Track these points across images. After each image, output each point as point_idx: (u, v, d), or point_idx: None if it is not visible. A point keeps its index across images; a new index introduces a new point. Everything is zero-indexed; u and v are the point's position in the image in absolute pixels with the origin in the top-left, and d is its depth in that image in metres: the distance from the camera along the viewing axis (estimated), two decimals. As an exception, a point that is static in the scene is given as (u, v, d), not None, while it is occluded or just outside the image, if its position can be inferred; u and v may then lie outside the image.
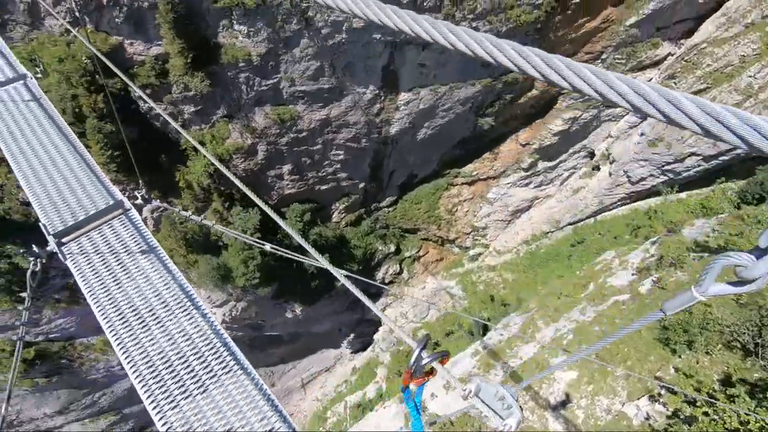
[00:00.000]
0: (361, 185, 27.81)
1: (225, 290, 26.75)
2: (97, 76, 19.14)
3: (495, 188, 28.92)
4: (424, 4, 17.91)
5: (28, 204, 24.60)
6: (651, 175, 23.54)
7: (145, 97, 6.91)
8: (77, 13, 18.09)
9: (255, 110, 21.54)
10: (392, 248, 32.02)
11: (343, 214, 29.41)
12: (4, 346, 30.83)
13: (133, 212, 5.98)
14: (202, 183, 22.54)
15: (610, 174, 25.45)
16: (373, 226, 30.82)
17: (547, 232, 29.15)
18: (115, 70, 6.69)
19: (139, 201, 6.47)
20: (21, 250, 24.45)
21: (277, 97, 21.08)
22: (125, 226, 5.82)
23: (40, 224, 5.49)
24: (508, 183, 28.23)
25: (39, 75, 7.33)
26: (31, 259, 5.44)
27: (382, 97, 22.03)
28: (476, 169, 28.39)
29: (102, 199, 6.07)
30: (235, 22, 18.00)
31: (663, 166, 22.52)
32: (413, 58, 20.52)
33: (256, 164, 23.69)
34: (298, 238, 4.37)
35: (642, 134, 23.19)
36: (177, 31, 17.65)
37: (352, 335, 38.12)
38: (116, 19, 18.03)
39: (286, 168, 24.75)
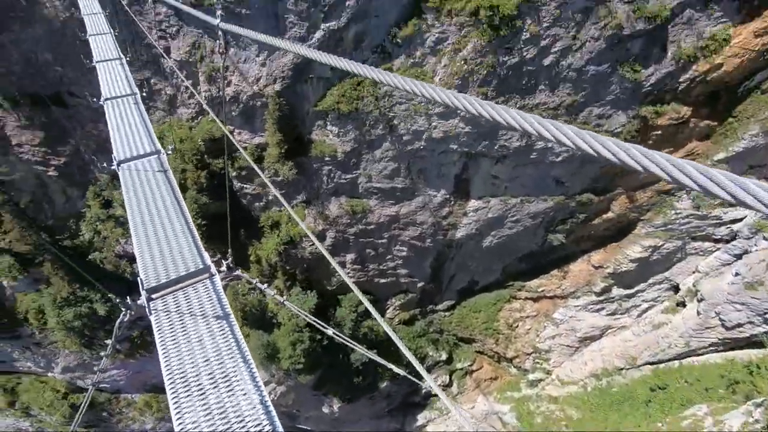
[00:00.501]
0: (420, 284, 27.48)
1: (269, 370, 26.40)
2: (205, 156, 22.13)
3: (562, 309, 26.95)
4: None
5: (121, 257, 27.43)
6: (750, 322, 20.64)
7: (258, 170, 7.86)
8: (204, 105, 21.66)
9: (331, 200, 23.12)
10: (444, 356, 30.13)
11: (398, 311, 28.81)
12: (60, 387, 32.16)
13: (218, 278, 6.50)
14: (271, 260, 23.79)
15: (699, 314, 22.75)
16: (427, 329, 29.60)
17: (621, 369, 25.85)
18: (243, 153, 7.83)
19: (224, 269, 7.01)
20: (102, 297, 26.61)
21: (353, 190, 22.59)
22: (207, 291, 6.31)
23: (138, 278, 6.11)
24: (578, 306, 26.24)
25: (169, 152, 8.65)
26: (123, 309, 5.97)
27: (452, 202, 22.65)
28: (542, 285, 26.97)
29: (193, 262, 6.68)
30: (329, 123, 20.34)
31: (765, 313, 19.74)
32: (487, 169, 21.28)
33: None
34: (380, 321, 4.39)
35: (737, 274, 20.93)
36: (278, 126, 20.29)
37: (387, 447, 34.64)
38: (233, 112, 21.26)
39: (350, 257, 25.46)
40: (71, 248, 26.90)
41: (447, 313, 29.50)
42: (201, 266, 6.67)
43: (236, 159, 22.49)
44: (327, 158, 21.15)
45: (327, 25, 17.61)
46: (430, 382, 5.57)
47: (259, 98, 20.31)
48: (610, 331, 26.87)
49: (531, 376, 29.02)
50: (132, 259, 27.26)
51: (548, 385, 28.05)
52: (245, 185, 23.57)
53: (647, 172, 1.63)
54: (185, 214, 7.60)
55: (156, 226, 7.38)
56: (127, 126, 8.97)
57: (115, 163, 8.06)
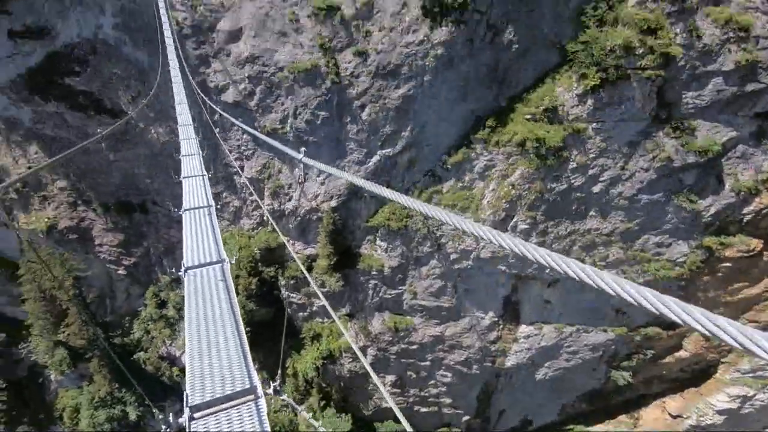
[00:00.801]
0: (465, 418, 24.68)
1: (290, 507, 23.40)
2: (259, 264, 23.15)
3: (637, 466, 22.65)
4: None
5: (163, 359, 27.55)
6: None
7: (310, 279, 7.98)
8: (265, 218, 23.44)
9: (375, 314, 22.69)
10: None
11: (439, 449, 25.53)
12: (72, 501, 30.03)
13: (263, 402, 6.15)
14: (308, 374, 22.82)
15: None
16: (473, 475, 25.64)
17: None
18: (298, 262, 8.15)
19: (270, 391, 6.65)
20: (136, 401, 26.14)
21: (397, 306, 22.17)
22: (250, 414, 5.89)
23: (184, 393, 5.98)
24: (656, 464, 21.99)
25: (233, 261, 9.06)
26: (164, 426, 5.86)
27: (501, 326, 21.40)
28: (610, 433, 23.26)
29: (241, 381, 6.47)
30: (378, 238, 21.03)
31: None
32: (538, 292, 20.37)
33: (361, 368, 23.49)
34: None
35: None
36: (330, 239, 21.22)
37: None
38: (290, 224, 22.70)
39: (390, 378, 23.87)
40: (120, 346, 27.56)
41: (496, 457, 25.69)
42: (248, 386, 6.49)
43: (287, 268, 23.30)
44: (374, 272, 21.37)
45: (383, 151, 19.37)
46: None
47: (315, 213, 21.75)
48: (702, 503, 21.81)
49: None
50: (172, 362, 27.27)
51: None
52: (292, 294, 23.95)
53: (685, 325, 1.52)
54: (239, 327, 7.72)
55: (210, 335, 7.47)
56: (200, 235, 9.69)
57: (183, 268, 8.57)
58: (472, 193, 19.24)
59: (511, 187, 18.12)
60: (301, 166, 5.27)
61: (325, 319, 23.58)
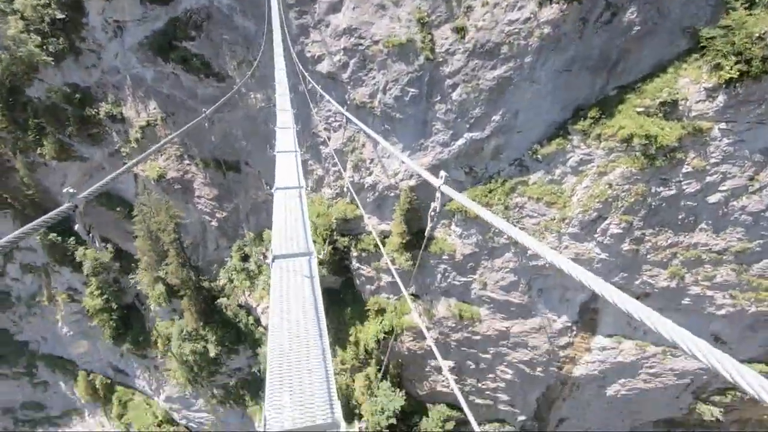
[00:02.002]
0: (521, 418, 23.88)
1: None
2: (334, 233, 23.96)
3: None
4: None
5: (241, 307, 30.06)
6: None
7: (385, 255, 7.84)
8: (344, 189, 24.04)
9: (441, 299, 22.49)
10: None
11: (490, 442, 25.13)
12: (159, 414, 34.66)
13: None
14: (369, 345, 23.50)
15: None
16: (521, 476, 24.97)
17: None
18: (377, 240, 8.06)
19: (356, 429, 5.84)
20: (216, 340, 28.97)
21: (464, 294, 21.72)
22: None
23: (263, 415, 5.43)
24: None
25: (320, 256, 8.51)
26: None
27: (574, 332, 20.04)
28: (684, 467, 21.06)
29: (322, 413, 5.74)
30: (454, 223, 20.55)
31: None
32: (622, 304, 18.61)
33: (421, 348, 23.63)
34: None
35: None
36: (405, 218, 21.18)
37: None
38: (367, 198, 23.03)
39: (448, 363, 23.74)
40: (207, 289, 30.60)
41: (549, 464, 24.67)
42: (329, 421, 5.66)
43: (360, 241, 23.83)
44: (445, 257, 21.04)
45: (470, 134, 18.61)
46: None
47: (393, 190, 21.77)
48: None
49: None
50: (249, 312, 29.69)
51: None
52: (362, 267, 24.54)
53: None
54: (324, 340, 6.88)
55: (293, 346, 6.65)
56: (290, 221, 9.34)
57: (270, 257, 8.24)
58: (562, 188, 17.84)
59: (607, 187, 16.46)
60: (438, 196, 4.79)
61: (391, 296, 23.90)
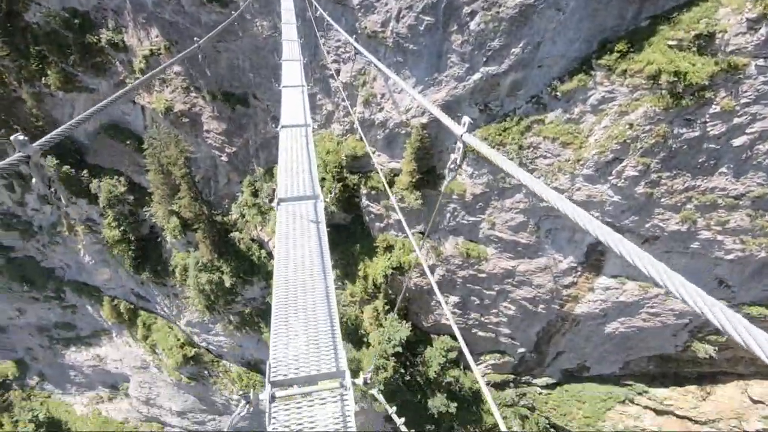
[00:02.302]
0: (521, 350, 25.15)
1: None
2: (344, 170, 23.82)
3: (693, 436, 21.88)
4: (661, 200, 16.59)
5: (254, 240, 30.87)
6: None
7: (390, 194, 7.77)
8: (355, 125, 23.49)
9: (449, 237, 22.78)
10: (529, 437, 26.88)
11: (490, 371, 26.75)
12: (180, 337, 37.04)
13: (351, 394, 5.39)
14: (377, 280, 24.31)
15: None
16: (517, 401, 26.83)
17: None
18: (381, 177, 7.89)
19: (360, 381, 6.03)
20: (230, 271, 30.12)
21: (472, 233, 21.92)
22: (335, 403, 5.30)
23: (268, 362, 5.50)
24: (716, 439, 21.03)
25: (327, 199, 8.20)
26: (243, 402, 5.50)
27: (579, 273, 20.39)
28: (672, 398, 22.36)
29: (327, 363, 5.61)
30: (465, 163, 20.20)
31: None
32: (629, 247, 18.67)
33: (427, 284, 24.39)
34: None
35: None
36: (415, 156, 20.84)
37: None
38: (377, 135, 22.56)
39: (453, 299, 24.61)
40: (220, 223, 31.30)
41: (544, 391, 26.37)
42: (334, 370, 5.57)
43: (369, 179, 23.72)
44: (455, 196, 20.96)
45: (486, 69, 17.66)
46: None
47: (404, 127, 21.21)
48: (757, 487, 20.88)
49: (632, 502, 24.02)
50: (261, 246, 30.54)
51: None
52: (371, 204, 24.65)
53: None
54: (329, 286, 6.72)
55: (298, 297, 6.50)
56: (295, 162, 8.94)
57: (276, 200, 7.97)
58: (579, 127, 17.20)
59: (628, 127, 15.81)
60: (460, 145, 4.08)
61: (399, 233, 24.25)
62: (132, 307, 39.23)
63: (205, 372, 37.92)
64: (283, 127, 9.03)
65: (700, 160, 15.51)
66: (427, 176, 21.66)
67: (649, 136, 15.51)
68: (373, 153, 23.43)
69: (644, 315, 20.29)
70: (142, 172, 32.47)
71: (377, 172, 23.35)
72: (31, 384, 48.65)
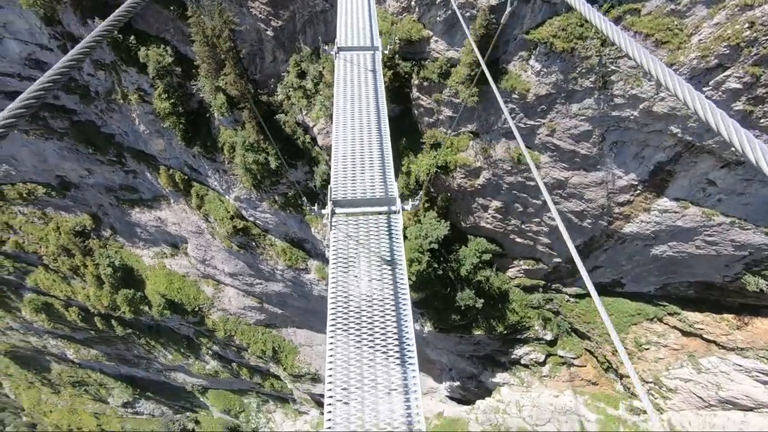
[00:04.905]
0: (557, 260, 25.14)
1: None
2: (396, 56, 21.83)
3: (715, 359, 22.25)
4: (761, 121, 14.27)
5: (299, 125, 30.50)
6: None
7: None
8: (413, 3, 20.79)
9: (501, 140, 21.38)
10: (549, 336, 28.42)
11: (521, 275, 27.31)
12: (230, 209, 39.56)
13: (399, 217, 6.23)
14: (420, 177, 23.89)
15: None
16: (543, 304, 27.79)
17: (758, 455, 21.16)
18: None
19: (409, 207, 6.61)
20: (275, 153, 30.47)
21: (527, 138, 20.38)
22: (386, 224, 6.11)
23: (330, 186, 6.28)
24: (740, 366, 21.29)
25: (386, 51, 8.44)
26: (313, 208, 6.54)
27: (638, 192, 18.98)
28: (704, 323, 22.27)
29: (381, 189, 6.51)
30: (533, 57, 17.85)
31: None
32: (704, 169, 16.85)
33: (471, 186, 23.76)
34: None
35: None
36: (478, 45, 18.50)
37: (457, 382, 36.11)
38: (437, 17, 20.00)
39: (495, 204, 24.11)
40: (265, 104, 30.75)
41: (573, 299, 26.98)
42: (386, 196, 6.54)
43: (423, 68, 21.73)
44: (515, 95, 19.03)
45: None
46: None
47: (469, 8, 18.52)
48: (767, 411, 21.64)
49: (637, 403, 25.84)
50: (306, 131, 30.20)
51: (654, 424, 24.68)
52: (423, 96, 23.02)
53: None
54: (383, 133, 7.37)
55: (355, 134, 7.39)
56: (356, 13, 9.13)
57: (335, 48, 8.13)
58: (683, 22, 14.29)
59: (747, 26, 12.93)
60: None
61: (449, 131, 22.96)
62: (186, 178, 41.55)
63: (253, 243, 41.22)
64: None
65: (828, 76, 12.79)
66: (488, 69, 19.46)
67: (771, 41, 12.71)
68: (429, 38, 21.04)
69: (699, 242, 19.19)
70: (187, 42, 31.35)
71: (433, 61, 21.25)
72: (105, 235, 55.21)
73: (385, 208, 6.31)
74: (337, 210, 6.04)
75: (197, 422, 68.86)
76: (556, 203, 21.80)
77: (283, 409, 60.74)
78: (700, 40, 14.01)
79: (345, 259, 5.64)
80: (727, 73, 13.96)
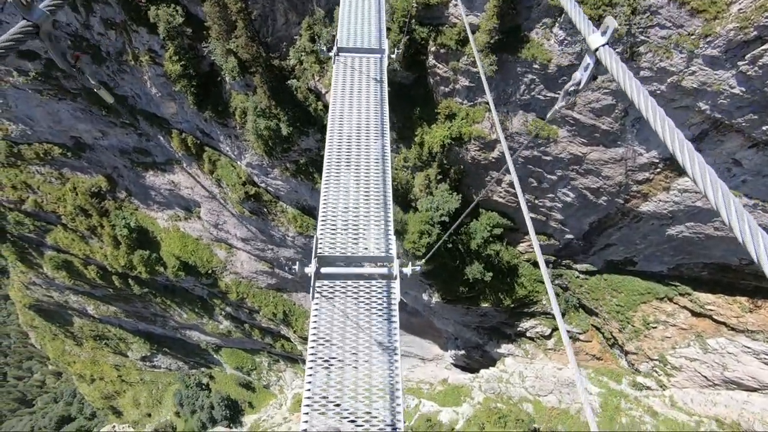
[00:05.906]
0: (568, 236, 24.84)
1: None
2: (412, 21, 20.91)
3: (724, 340, 22.17)
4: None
5: (311, 91, 29.87)
6: None
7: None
8: (431, -37, 19.63)
9: (518, 112, 20.67)
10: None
11: (531, 250, 27.12)
12: (242, 175, 39.65)
13: (398, 283, 5.32)
14: (433, 148, 23.41)
15: None
16: (552, 279, 27.72)
17: (758, 434, 21.41)
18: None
19: (408, 271, 5.74)
20: (288, 120, 30.06)
21: (546, 110, 19.63)
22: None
23: (315, 236, 5.45)
24: (749, 348, 21.19)
25: (393, 55, 7.77)
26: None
27: (658, 170, 18.37)
28: (715, 304, 22.05)
29: (376, 243, 5.63)
30: (558, 24, 16.91)
31: None
32: (731, 149, 16.15)
33: (485, 159, 23.26)
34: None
35: None
36: (499, 10, 17.58)
37: (462, 351, 36.86)
38: (457, -20, 18.92)
39: (508, 177, 23.64)
40: (277, 68, 30.02)
41: (582, 276, 26.85)
42: (383, 254, 5.65)
43: (441, 33, 20.81)
44: (536, 66, 18.21)
45: None
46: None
47: (492, -30, 17.44)
48: (772, 392, 21.70)
49: (640, 379, 26.13)
50: (318, 97, 29.60)
51: (655, 397, 25.05)
52: (439, 64, 22.18)
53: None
54: (386, 167, 6.61)
55: (351, 167, 6.69)
56: (360, 7, 8.03)
57: (335, 49, 7.29)
58: (723, -11, 13.27)
59: (793, -5, 11.95)
60: (585, 62, 2.86)
61: (465, 101, 22.25)
62: (198, 142, 41.46)
63: (265, 209, 41.52)
64: None
65: None
66: (508, 37, 18.58)
67: (819, 12, 11.77)
68: (448, 1, 20.02)
69: (718, 224, 18.69)
70: (198, 2, 30.42)
71: (451, 27, 20.32)
72: (120, 197, 56.07)
73: (382, 270, 5.51)
74: (323, 270, 5.23)
75: (211, 377, 72.11)
76: (571, 179, 21.31)
77: (293, 369, 63.08)
78: (740, 9, 13.04)
79: (327, 340, 4.77)
80: (765, 46, 13.07)
